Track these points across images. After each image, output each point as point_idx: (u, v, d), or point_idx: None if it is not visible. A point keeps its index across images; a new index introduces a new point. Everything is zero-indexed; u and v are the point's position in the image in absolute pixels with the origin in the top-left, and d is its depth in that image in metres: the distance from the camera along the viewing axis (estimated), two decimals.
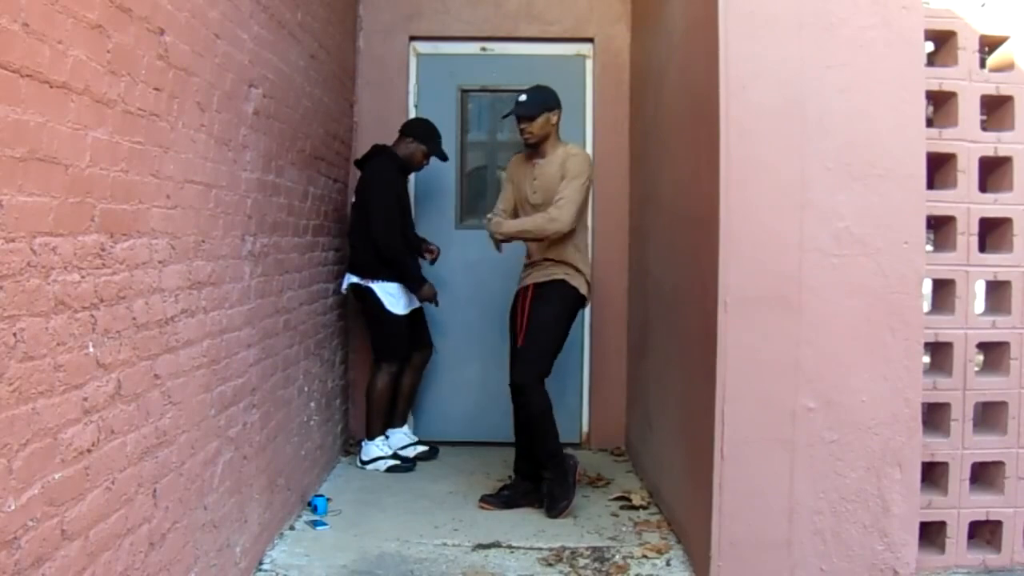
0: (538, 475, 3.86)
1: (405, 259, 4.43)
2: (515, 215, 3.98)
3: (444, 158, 4.55)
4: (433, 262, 4.69)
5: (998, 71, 3.23)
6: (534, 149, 3.84)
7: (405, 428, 4.69)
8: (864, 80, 2.90)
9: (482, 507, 3.83)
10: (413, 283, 4.46)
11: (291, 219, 3.57)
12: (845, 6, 2.90)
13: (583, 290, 3.84)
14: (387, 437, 4.59)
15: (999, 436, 3.15)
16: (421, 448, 4.66)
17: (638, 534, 3.57)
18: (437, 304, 4.60)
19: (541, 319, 3.76)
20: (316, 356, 4.03)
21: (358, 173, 4.52)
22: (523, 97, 3.78)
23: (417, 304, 4.58)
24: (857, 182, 2.91)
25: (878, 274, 2.92)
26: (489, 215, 3.96)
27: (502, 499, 3.87)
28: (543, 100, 3.79)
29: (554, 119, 3.81)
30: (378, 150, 4.47)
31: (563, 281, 3.78)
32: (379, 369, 4.49)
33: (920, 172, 2.95)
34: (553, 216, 3.70)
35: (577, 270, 3.82)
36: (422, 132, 4.52)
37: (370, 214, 4.32)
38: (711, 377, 2.96)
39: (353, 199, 4.52)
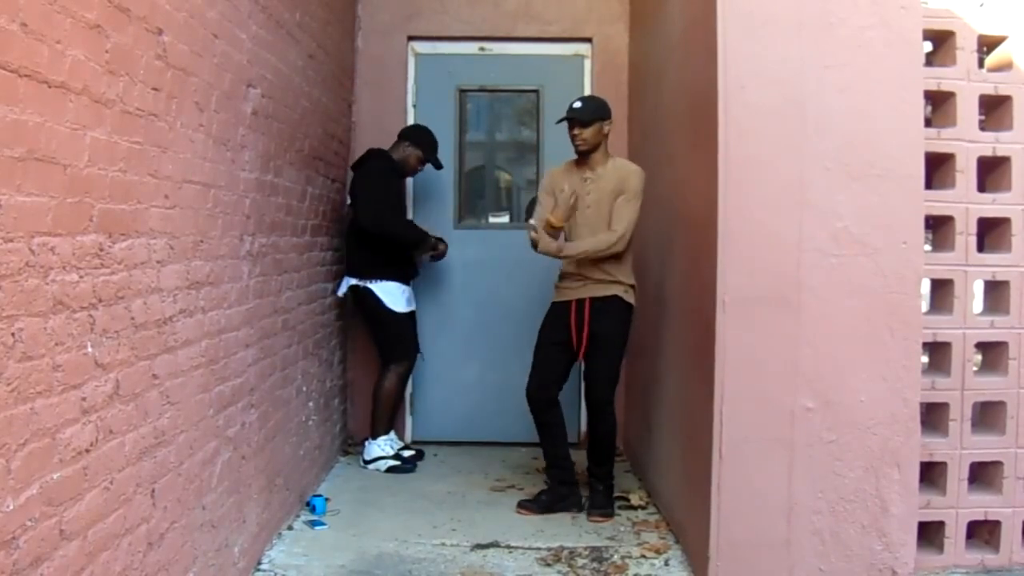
0: (574, 480, 3.93)
1: (397, 229, 4.40)
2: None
3: (438, 166, 4.56)
4: (437, 259, 4.69)
5: (996, 71, 3.23)
6: (584, 157, 3.80)
7: (391, 434, 4.66)
8: (863, 80, 2.91)
9: (520, 512, 3.81)
10: (417, 246, 4.47)
11: (289, 219, 3.57)
12: (844, 6, 2.90)
13: (634, 303, 3.86)
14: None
15: (997, 436, 3.15)
16: (406, 453, 4.63)
17: (636, 534, 3.57)
18: (444, 253, 4.60)
19: (612, 339, 3.79)
20: (314, 356, 4.03)
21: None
22: (578, 104, 3.75)
23: (413, 307, 4.59)
24: (856, 182, 2.92)
25: (877, 274, 2.92)
26: (532, 222, 3.80)
27: (541, 504, 3.85)
28: (597, 108, 3.78)
29: (606, 129, 3.79)
30: (373, 153, 4.47)
31: (619, 298, 3.78)
32: (387, 370, 4.49)
33: (919, 172, 2.95)
34: (618, 236, 3.68)
35: (631, 285, 3.83)
36: (418, 137, 4.53)
37: (357, 205, 4.32)
38: (709, 377, 2.96)
39: (348, 201, 4.52)
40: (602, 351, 3.79)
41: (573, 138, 3.77)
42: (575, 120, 3.73)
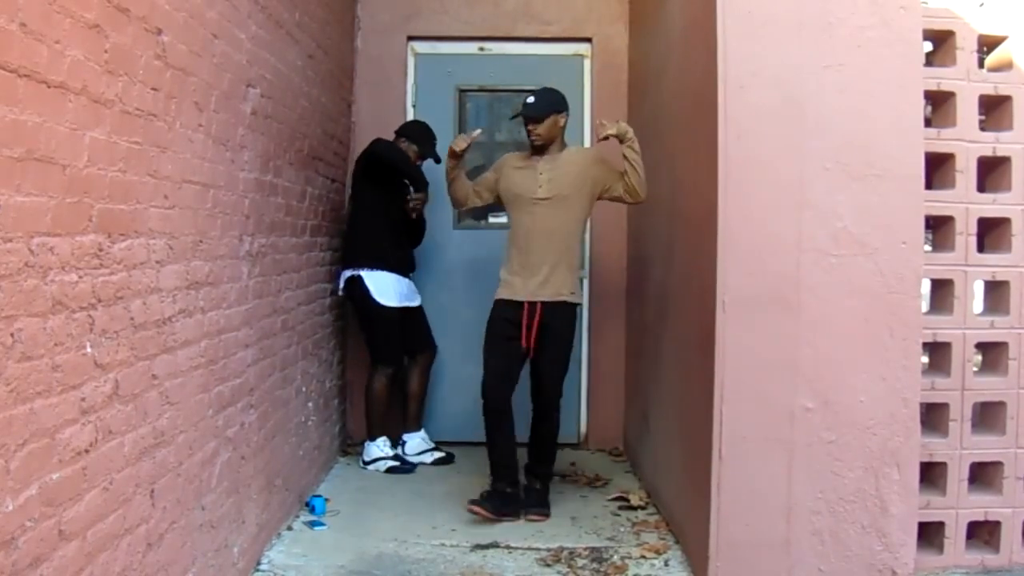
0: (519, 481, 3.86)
1: (402, 163, 4.40)
2: (476, 195, 3.99)
3: (437, 160, 4.55)
4: (417, 207, 4.58)
5: (996, 71, 3.23)
6: (540, 152, 3.81)
7: (422, 433, 4.65)
8: (862, 80, 2.91)
9: (473, 510, 3.68)
10: (415, 180, 4.46)
11: (289, 219, 3.57)
12: (843, 6, 2.90)
13: (580, 302, 3.89)
14: (404, 443, 4.58)
15: (997, 436, 3.15)
16: (439, 454, 4.62)
17: (636, 534, 3.57)
18: (425, 200, 4.54)
19: (562, 344, 3.79)
20: (314, 356, 4.03)
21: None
22: (531, 99, 3.75)
23: (411, 303, 4.55)
24: (855, 182, 2.91)
25: (876, 274, 2.92)
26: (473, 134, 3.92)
27: (493, 506, 3.70)
28: (551, 102, 3.78)
29: (562, 121, 3.80)
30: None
31: (568, 303, 3.76)
32: (375, 371, 4.46)
33: (918, 172, 2.95)
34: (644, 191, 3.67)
35: (578, 283, 3.84)
36: (414, 133, 4.54)
37: (378, 155, 4.33)
38: (709, 377, 2.96)
39: (349, 192, 4.53)
40: (553, 353, 3.77)
41: (528, 133, 3.79)
42: (528, 117, 3.74)
